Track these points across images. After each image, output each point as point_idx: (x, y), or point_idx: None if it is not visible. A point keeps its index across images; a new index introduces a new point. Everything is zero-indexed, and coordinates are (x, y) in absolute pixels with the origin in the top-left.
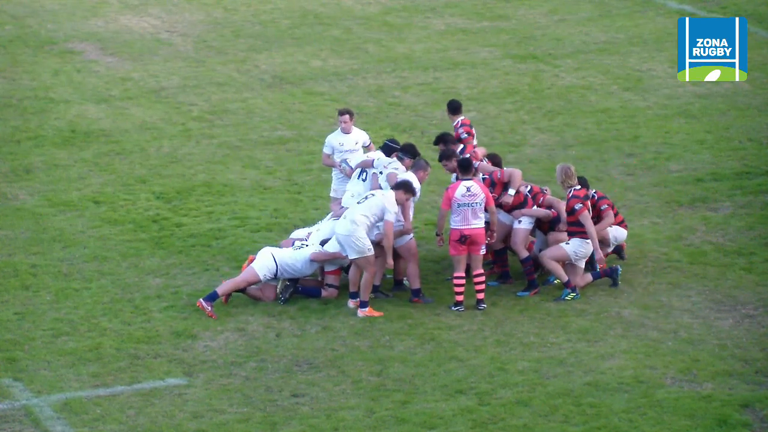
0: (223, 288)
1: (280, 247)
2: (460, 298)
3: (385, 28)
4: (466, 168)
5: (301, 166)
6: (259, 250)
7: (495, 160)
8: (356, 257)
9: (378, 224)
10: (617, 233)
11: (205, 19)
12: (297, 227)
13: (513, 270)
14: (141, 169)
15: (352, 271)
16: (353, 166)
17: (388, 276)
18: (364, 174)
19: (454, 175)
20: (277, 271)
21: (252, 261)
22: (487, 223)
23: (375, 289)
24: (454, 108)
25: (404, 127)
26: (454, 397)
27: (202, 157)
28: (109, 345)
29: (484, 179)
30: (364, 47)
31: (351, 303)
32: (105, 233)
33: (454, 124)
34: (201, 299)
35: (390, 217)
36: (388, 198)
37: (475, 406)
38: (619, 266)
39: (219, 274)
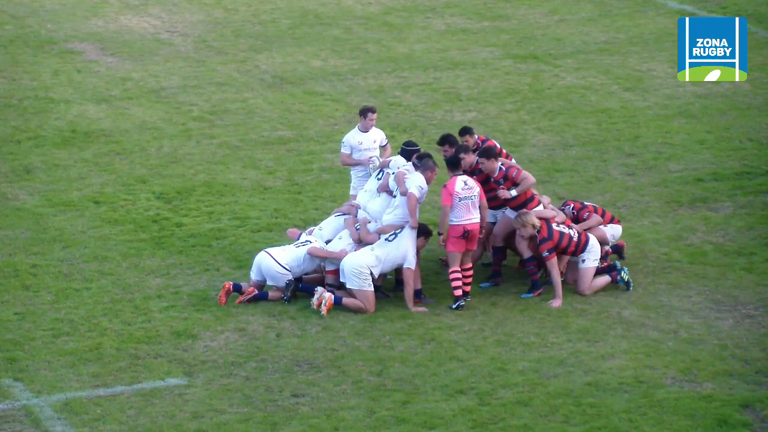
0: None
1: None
2: (458, 292)
3: (385, 28)
4: (455, 164)
5: (302, 166)
6: (258, 252)
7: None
8: (355, 290)
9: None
10: (614, 231)
11: (205, 19)
12: (297, 228)
13: (508, 269)
14: (141, 169)
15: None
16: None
17: (389, 276)
18: (381, 173)
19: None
20: (285, 269)
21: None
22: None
23: (376, 289)
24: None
25: (404, 127)
26: (455, 397)
27: (203, 157)
28: (110, 345)
29: (500, 169)
30: (365, 47)
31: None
32: (105, 233)
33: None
34: (232, 284)
35: (414, 190)
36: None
37: (476, 406)
38: (624, 267)
39: (219, 274)
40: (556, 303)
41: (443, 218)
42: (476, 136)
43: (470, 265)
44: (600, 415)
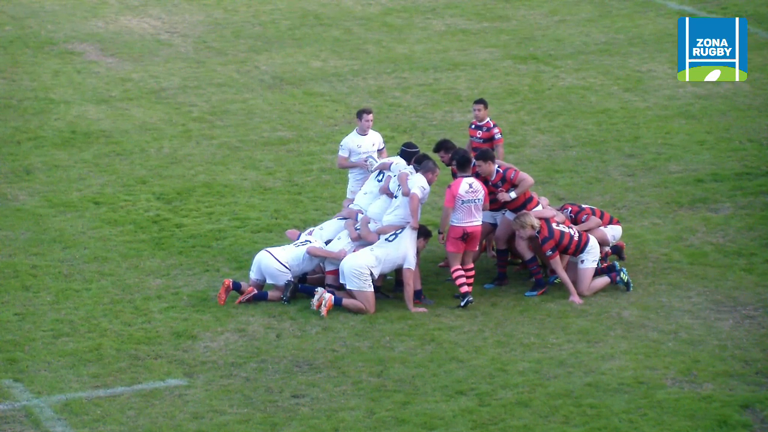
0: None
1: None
2: (464, 289)
3: (385, 29)
4: (465, 164)
5: (301, 166)
6: (258, 252)
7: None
8: (354, 290)
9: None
10: (614, 231)
11: (205, 19)
12: (297, 228)
13: (509, 270)
14: (141, 170)
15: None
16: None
17: (389, 277)
18: (381, 175)
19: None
20: (285, 267)
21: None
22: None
23: (376, 290)
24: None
25: (404, 127)
26: (455, 398)
27: (203, 158)
28: (110, 346)
29: (497, 171)
30: (364, 48)
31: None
32: (105, 234)
33: (485, 122)
34: (232, 281)
35: (416, 191)
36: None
37: (476, 406)
38: (624, 268)
39: (219, 275)
40: (574, 298)
41: (444, 219)
42: (487, 119)
43: (471, 265)
44: (600, 416)
